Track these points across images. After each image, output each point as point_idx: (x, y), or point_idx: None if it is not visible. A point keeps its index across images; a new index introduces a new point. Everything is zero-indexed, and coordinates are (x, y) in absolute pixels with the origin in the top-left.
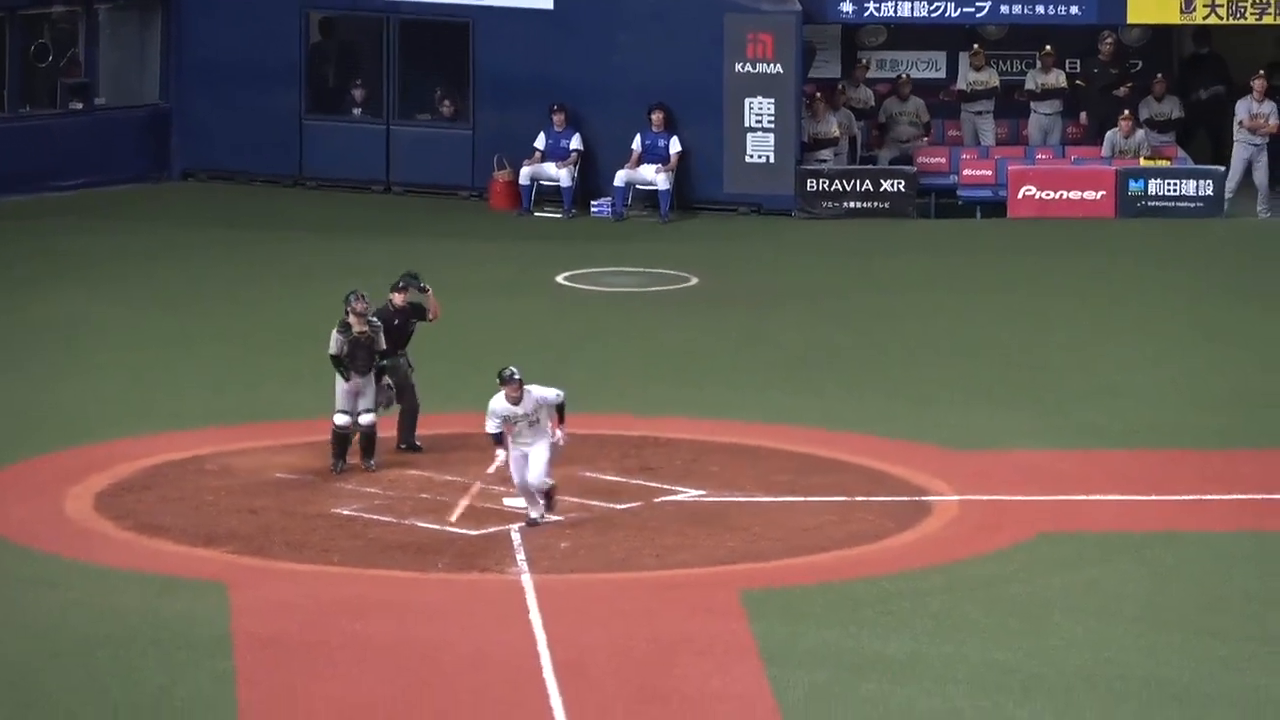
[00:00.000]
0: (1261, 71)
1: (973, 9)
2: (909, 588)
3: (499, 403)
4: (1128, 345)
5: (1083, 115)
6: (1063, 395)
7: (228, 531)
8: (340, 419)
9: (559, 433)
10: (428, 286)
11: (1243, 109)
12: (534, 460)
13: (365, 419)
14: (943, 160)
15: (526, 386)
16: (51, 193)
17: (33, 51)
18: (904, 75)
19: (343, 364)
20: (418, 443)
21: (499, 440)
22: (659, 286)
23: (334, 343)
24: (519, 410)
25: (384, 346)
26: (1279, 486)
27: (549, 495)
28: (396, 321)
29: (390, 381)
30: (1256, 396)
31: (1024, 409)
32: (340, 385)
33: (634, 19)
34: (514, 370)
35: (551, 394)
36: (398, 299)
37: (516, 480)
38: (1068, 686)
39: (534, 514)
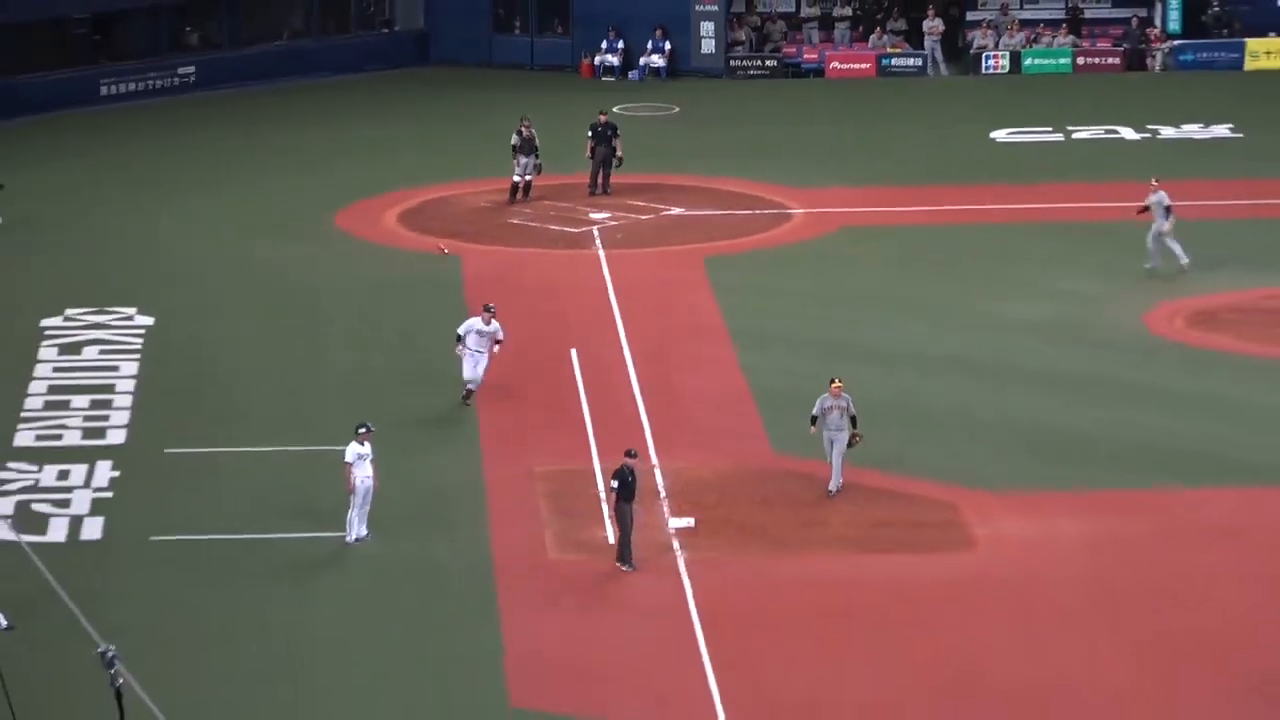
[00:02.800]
0: (931, 5)
1: None
2: (783, 253)
3: (474, 319)
4: (872, 137)
5: (860, 28)
6: (853, 162)
7: (459, 231)
8: (515, 176)
9: (497, 348)
10: (620, 140)
11: (926, 24)
12: (479, 366)
13: (528, 176)
14: (794, 50)
15: (496, 321)
16: (367, 73)
17: (373, 9)
18: (774, 11)
19: (515, 149)
20: (609, 188)
21: (460, 340)
22: (661, 113)
23: (514, 138)
24: (486, 328)
25: (538, 144)
26: (959, 202)
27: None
28: (599, 128)
29: (540, 161)
30: (941, 160)
31: (833, 168)
32: (517, 161)
33: None
34: (492, 305)
35: (502, 333)
36: (602, 118)
37: (466, 374)
38: (857, 300)
39: (470, 387)
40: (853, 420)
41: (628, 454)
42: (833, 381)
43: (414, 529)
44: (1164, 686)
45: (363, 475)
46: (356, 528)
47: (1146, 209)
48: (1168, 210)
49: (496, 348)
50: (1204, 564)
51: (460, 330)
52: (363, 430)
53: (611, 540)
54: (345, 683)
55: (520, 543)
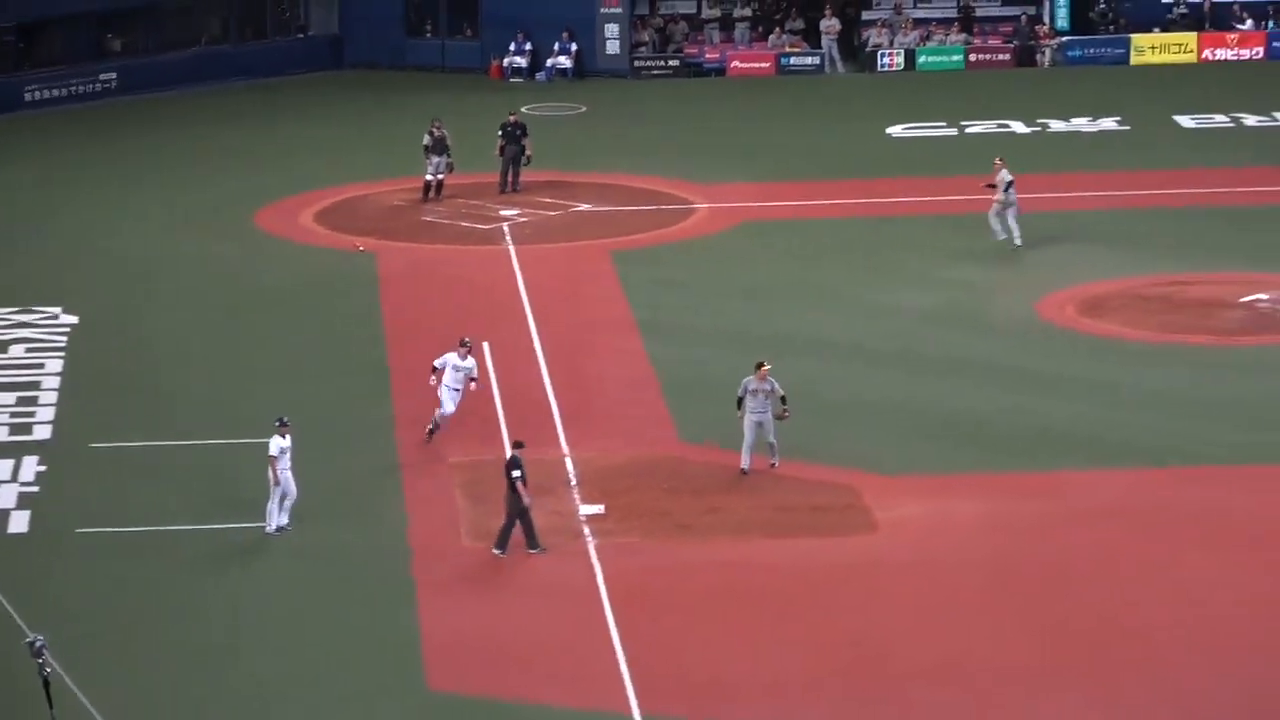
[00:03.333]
0: (828, 5)
1: None
2: (687, 246)
3: (450, 354)
4: (773, 134)
5: (760, 28)
6: (754, 158)
7: (374, 229)
8: (428, 175)
9: (473, 385)
10: (529, 139)
11: (823, 23)
12: (453, 402)
13: (439, 175)
14: (696, 50)
15: (472, 357)
16: (286, 76)
17: (289, 14)
18: (676, 13)
19: (426, 149)
20: (519, 186)
21: (435, 371)
22: (568, 113)
23: (425, 138)
24: (462, 363)
25: (449, 144)
26: (858, 195)
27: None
28: (509, 127)
29: (452, 160)
30: (839, 156)
31: (735, 165)
32: (429, 160)
33: None
34: (468, 339)
35: (476, 370)
36: (512, 118)
37: (445, 410)
38: (760, 291)
39: (438, 424)
40: (782, 399)
41: (517, 445)
42: (759, 365)
43: (334, 518)
44: (1062, 665)
45: (283, 467)
46: (277, 518)
47: (994, 186)
48: (1009, 186)
49: (473, 385)
50: (1098, 544)
51: (437, 363)
52: (278, 424)
53: (518, 527)
54: (266, 670)
55: (436, 530)
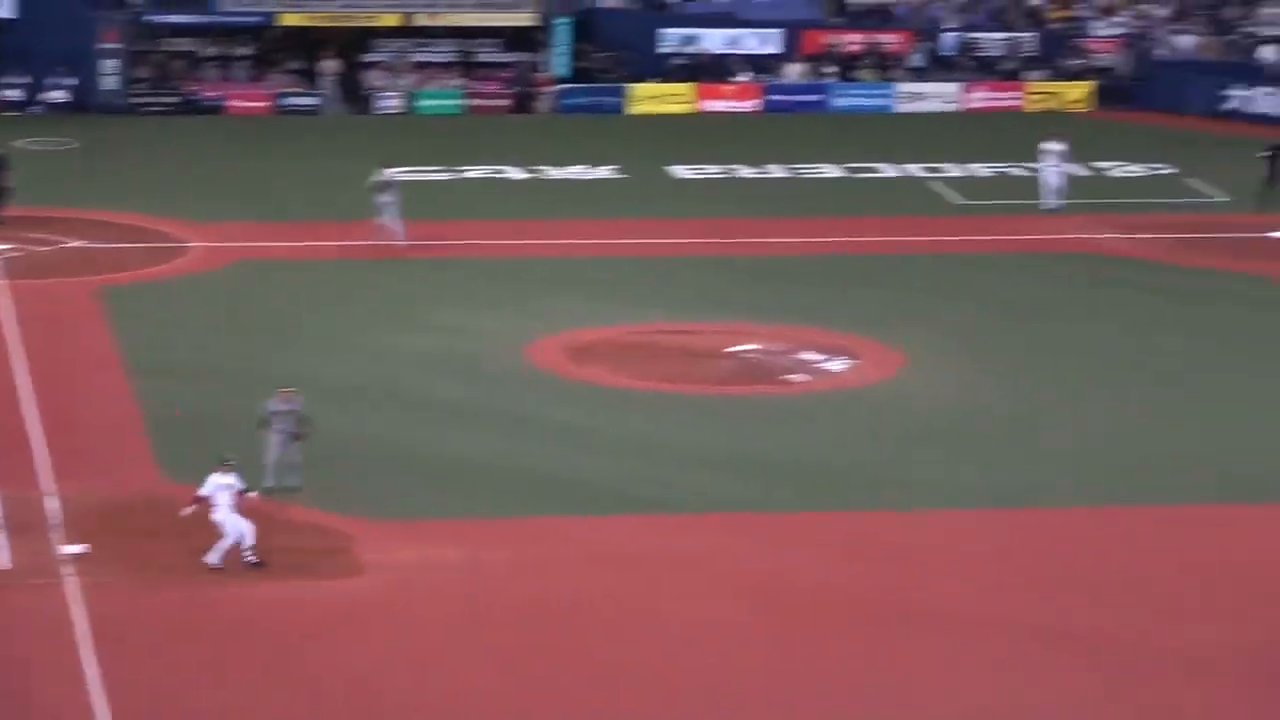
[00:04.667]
0: (328, 46)
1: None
2: (181, 285)
3: (213, 476)
4: (269, 173)
5: (259, 67)
6: (251, 197)
7: None
8: None
9: (251, 495)
10: (9, 171)
11: (323, 64)
12: (237, 522)
13: None
14: (195, 87)
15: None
16: None
17: None
18: (175, 50)
19: None
20: (1, 220)
21: (200, 500)
22: (62, 147)
23: None
24: (224, 479)
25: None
26: (354, 237)
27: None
28: None
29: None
30: (334, 197)
31: (231, 204)
32: None
33: None
34: (230, 457)
35: (240, 484)
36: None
37: (230, 535)
38: (255, 330)
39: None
40: (305, 420)
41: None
42: (281, 390)
43: None
44: (542, 701)
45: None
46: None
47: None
48: (382, 188)
49: (251, 495)
50: (580, 589)
51: (202, 492)
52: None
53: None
54: None
55: None
